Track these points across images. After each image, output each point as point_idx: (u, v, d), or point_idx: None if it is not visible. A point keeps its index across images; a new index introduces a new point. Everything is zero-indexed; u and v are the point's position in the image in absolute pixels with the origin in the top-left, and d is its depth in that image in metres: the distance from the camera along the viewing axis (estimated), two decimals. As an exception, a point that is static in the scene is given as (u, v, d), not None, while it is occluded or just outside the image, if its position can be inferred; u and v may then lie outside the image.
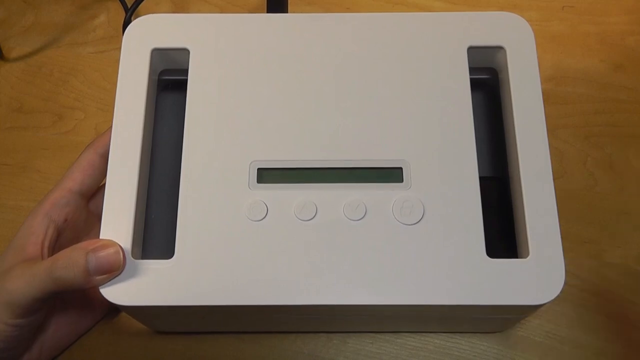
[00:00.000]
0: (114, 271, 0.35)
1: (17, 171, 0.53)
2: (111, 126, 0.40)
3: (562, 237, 0.37)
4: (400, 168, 0.38)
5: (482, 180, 0.38)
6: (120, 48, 0.56)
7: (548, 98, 0.53)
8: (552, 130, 0.52)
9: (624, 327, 0.45)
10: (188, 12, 0.59)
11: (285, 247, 0.36)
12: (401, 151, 0.38)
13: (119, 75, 0.40)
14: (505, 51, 0.41)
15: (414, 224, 0.37)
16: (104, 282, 0.36)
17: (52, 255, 0.38)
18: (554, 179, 0.49)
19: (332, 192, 0.38)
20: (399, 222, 0.37)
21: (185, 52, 0.41)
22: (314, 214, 0.37)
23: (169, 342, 0.46)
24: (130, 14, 0.55)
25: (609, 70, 0.55)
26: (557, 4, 0.58)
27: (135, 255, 0.37)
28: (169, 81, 0.44)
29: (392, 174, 0.38)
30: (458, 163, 0.38)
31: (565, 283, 0.36)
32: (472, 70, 0.42)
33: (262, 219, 0.37)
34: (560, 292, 0.35)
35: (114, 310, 0.46)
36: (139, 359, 0.45)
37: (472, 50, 0.41)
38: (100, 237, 0.36)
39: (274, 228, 0.37)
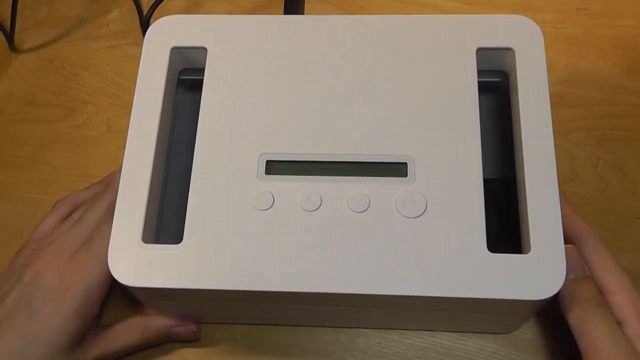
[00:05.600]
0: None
1: (28, 164, 0.56)
2: None
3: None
4: (405, 163, 0.40)
5: (488, 182, 0.40)
6: (132, 43, 0.60)
7: (560, 100, 0.55)
8: (564, 133, 0.53)
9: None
10: (202, 8, 0.62)
11: (289, 236, 0.39)
12: (407, 147, 0.41)
13: (139, 72, 0.44)
14: (514, 53, 0.43)
15: (416, 217, 0.39)
16: None
17: None
18: (564, 182, 0.51)
19: (337, 184, 0.40)
20: (402, 215, 0.39)
21: (203, 50, 0.45)
22: (319, 205, 0.40)
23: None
24: (150, 13, 0.58)
25: (622, 74, 0.56)
26: (571, 6, 0.59)
27: (146, 240, 0.40)
28: (189, 80, 0.47)
29: (396, 169, 0.40)
30: (462, 160, 0.40)
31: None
32: (484, 73, 0.44)
33: (268, 209, 0.40)
34: (560, 289, 0.37)
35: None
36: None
37: (483, 53, 0.44)
38: (114, 222, 0.40)
39: (279, 218, 0.39)
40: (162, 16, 0.47)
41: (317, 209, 0.40)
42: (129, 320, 0.46)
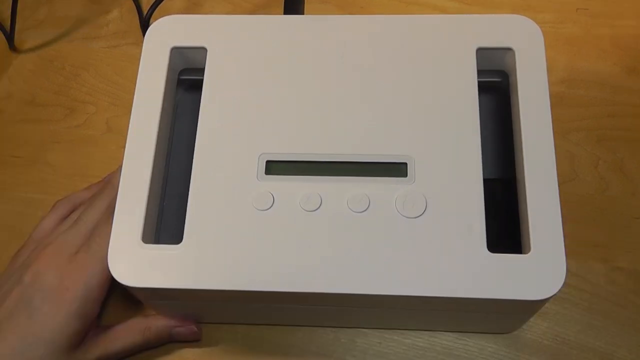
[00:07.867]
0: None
1: (28, 164, 0.56)
2: None
3: (572, 241, 0.39)
4: (405, 163, 0.41)
5: (488, 182, 0.40)
6: (132, 43, 0.60)
7: (561, 100, 0.55)
8: (564, 133, 0.54)
9: (633, 332, 0.47)
10: (202, 8, 0.62)
11: (289, 236, 0.39)
12: (407, 147, 0.41)
13: (139, 72, 0.44)
14: (514, 53, 0.43)
15: (416, 217, 0.39)
16: None
17: None
18: (564, 182, 0.51)
19: (337, 184, 0.40)
20: (401, 215, 0.39)
21: (203, 50, 0.45)
22: (319, 205, 0.40)
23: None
24: (150, 13, 0.58)
25: (622, 74, 0.56)
26: (571, 6, 0.59)
27: (146, 240, 0.40)
28: (189, 80, 0.48)
29: (396, 169, 0.41)
30: (462, 160, 0.40)
31: (566, 282, 0.37)
32: (484, 73, 0.44)
33: (268, 209, 0.40)
34: (560, 289, 0.37)
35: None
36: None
37: (483, 53, 0.44)
38: (114, 222, 0.40)
39: (279, 218, 0.40)
40: (162, 16, 0.47)
41: (317, 209, 0.40)
42: (129, 320, 0.46)
